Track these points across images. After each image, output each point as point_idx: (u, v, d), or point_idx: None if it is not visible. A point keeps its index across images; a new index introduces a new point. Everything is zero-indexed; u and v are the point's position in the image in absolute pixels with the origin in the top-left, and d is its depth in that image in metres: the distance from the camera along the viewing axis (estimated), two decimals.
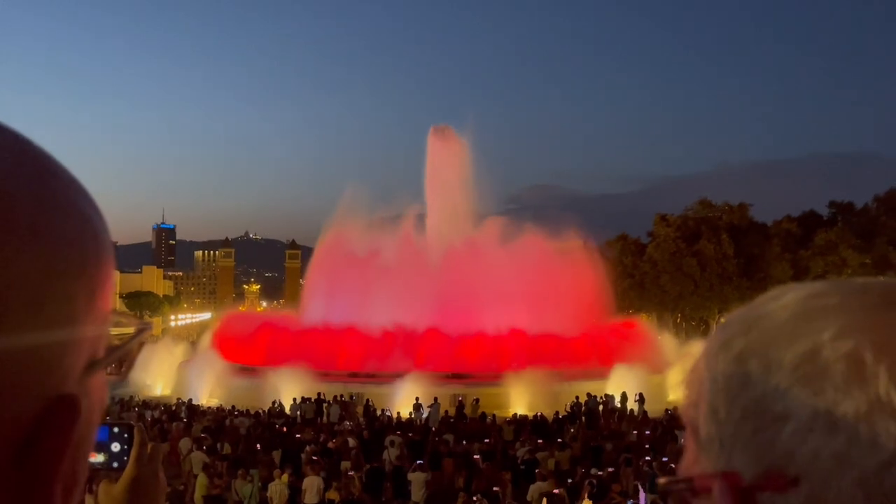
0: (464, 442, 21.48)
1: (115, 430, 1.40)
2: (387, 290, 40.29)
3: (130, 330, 0.62)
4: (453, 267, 42.04)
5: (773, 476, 0.52)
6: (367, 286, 41.08)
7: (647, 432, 23.63)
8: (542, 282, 40.66)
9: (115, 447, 1.39)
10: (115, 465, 1.37)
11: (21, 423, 0.42)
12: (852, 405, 0.49)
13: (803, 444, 0.51)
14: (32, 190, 0.44)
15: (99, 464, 1.37)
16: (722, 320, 0.62)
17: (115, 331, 0.51)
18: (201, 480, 16.10)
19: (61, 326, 0.44)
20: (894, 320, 0.51)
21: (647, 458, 18.01)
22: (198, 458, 18.80)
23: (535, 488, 15.38)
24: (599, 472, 16.67)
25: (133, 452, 1.35)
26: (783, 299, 0.57)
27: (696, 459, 0.59)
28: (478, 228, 47.61)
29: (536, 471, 16.90)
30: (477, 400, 29.84)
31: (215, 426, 25.14)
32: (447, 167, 51.66)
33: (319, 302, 43.83)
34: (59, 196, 0.46)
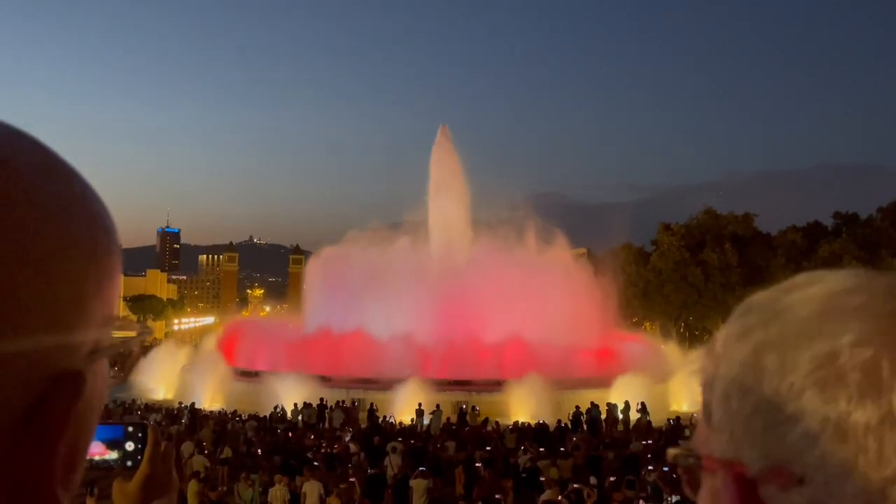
0: (467, 448, 21.44)
1: (130, 429, 1.44)
2: (389, 299, 40.29)
3: (132, 333, 0.65)
4: (456, 275, 42.00)
5: (779, 472, 0.52)
6: (370, 295, 41.02)
7: (650, 442, 23.57)
8: (544, 291, 40.64)
9: (130, 446, 1.42)
10: (130, 463, 1.41)
11: (31, 389, 0.47)
12: (864, 416, 0.49)
13: (812, 447, 0.51)
14: (50, 181, 0.50)
15: (113, 461, 1.41)
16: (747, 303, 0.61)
17: (117, 333, 0.55)
18: (192, 487, 15.94)
19: (72, 304, 0.49)
20: None
21: (650, 467, 17.97)
22: (199, 461, 18.78)
23: (544, 496, 15.27)
24: (602, 481, 16.63)
25: (147, 451, 1.38)
26: (808, 291, 0.56)
27: (707, 439, 0.60)
28: (481, 236, 47.64)
29: (542, 479, 16.86)
30: (474, 408, 29.81)
31: (219, 430, 25.18)
32: (450, 172, 51.63)
33: (321, 310, 43.61)
34: (73, 189, 0.52)
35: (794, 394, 0.52)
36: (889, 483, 0.48)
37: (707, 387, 0.60)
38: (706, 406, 0.60)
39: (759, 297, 0.60)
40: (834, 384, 0.51)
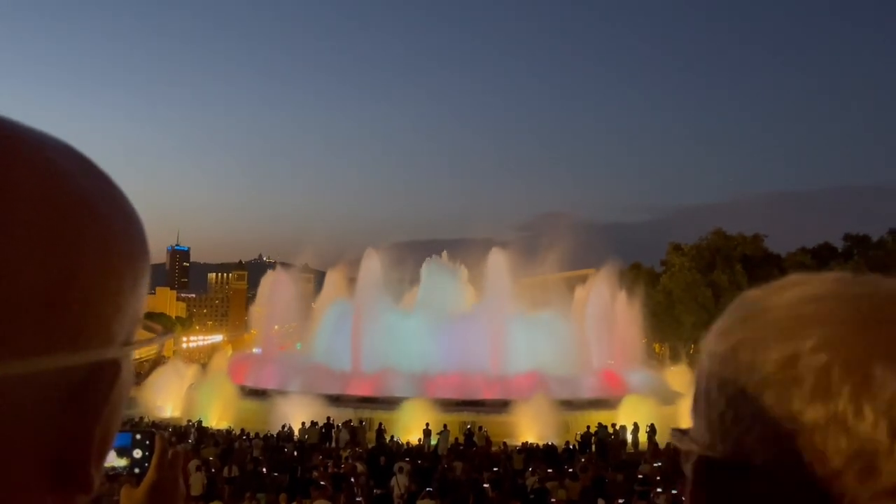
0: (475, 469, 21.28)
1: (138, 436, 1.47)
2: (397, 323, 40.27)
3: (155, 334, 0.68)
4: (465, 305, 41.83)
5: (743, 463, 0.58)
6: (378, 323, 40.80)
7: (659, 464, 23.31)
8: (553, 315, 40.53)
9: (137, 453, 1.45)
10: (137, 470, 1.43)
11: (75, 374, 0.51)
12: (813, 416, 0.54)
13: (771, 441, 0.56)
14: (96, 187, 0.54)
15: (122, 468, 1.43)
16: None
17: (143, 334, 0.59)
18: None
19: (114, 298, 0.53)
20: (873, 338, 0.55)
21: (659, 489, 17.78)
22: (197, 479, 18.74)
23: None
24: (610, 503, 16.48)
25: (154, 458, 1.40)
26: (785, 295, 0.62)
27: (694, 424, 0.66)
28: (489, 258, 47.67)
29: (553, 500, 16.72)
30: (481, 428, 29.64)
31: (225, 448, 25.13)
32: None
33: (328, 340, 43.26)
34: (113, 195, 0.56)
35: (760, 391, 0.57)
36: (833, 477, 0.53)
37: (697, 377, 0.66)
38: (696, 394, 0.66)
39: (751, 294, 0.66)
40: (792, 385, 0.55)
